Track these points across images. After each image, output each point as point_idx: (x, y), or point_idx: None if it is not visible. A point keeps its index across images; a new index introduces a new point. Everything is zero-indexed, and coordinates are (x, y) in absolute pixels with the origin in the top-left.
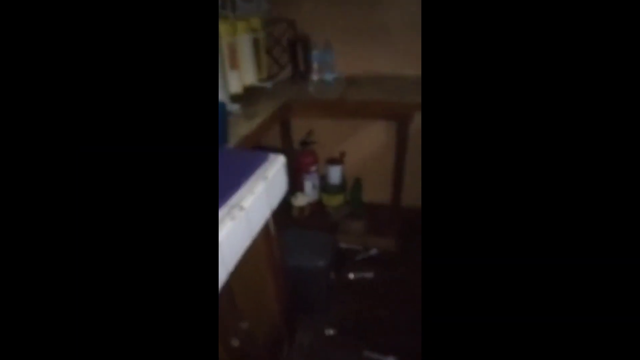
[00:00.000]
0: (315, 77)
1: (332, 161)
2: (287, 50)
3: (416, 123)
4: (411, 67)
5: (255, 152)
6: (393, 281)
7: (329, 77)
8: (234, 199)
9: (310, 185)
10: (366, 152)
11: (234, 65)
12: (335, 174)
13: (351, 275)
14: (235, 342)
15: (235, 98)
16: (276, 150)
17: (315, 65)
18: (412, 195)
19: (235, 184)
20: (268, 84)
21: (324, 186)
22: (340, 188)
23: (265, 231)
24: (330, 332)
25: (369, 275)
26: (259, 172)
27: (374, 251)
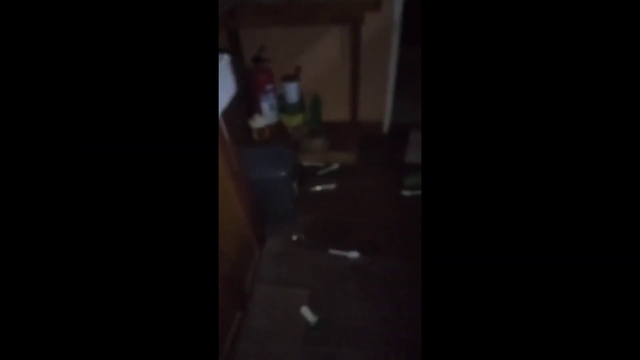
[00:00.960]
0: None
1: (288, 78)
2: None
3: (367, 27)
4: None
5: None
6: (353, 189)
7: None
8: None
9: (267, 107)
10: (321, 65)
11: None
12: (292, 91)
13: (318, 188)
14: None
15: None
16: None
17: None
18: (368, 108)
19: None
20: None
21: (282, 106)
22: (299, 107)
23: (219, 136)
24: (297, 237)
25: (331, 186)
26: None
27: (335, 166)
